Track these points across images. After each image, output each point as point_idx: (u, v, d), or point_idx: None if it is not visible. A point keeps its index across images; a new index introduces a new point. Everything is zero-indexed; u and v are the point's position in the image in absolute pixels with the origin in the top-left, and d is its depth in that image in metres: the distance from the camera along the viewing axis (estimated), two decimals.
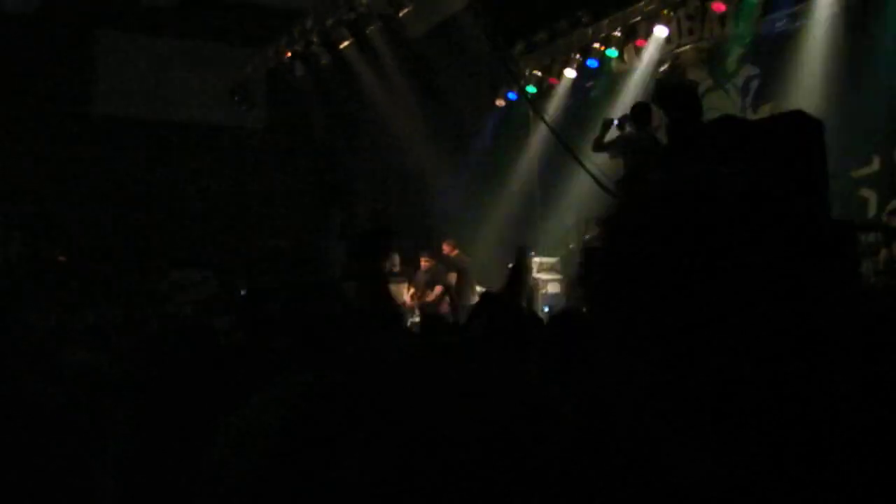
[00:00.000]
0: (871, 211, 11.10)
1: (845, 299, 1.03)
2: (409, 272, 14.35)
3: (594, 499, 1.13)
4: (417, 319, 12.64)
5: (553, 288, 13.70)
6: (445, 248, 14.46)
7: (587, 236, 12.39)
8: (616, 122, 10.99)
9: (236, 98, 15.93)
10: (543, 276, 13.91)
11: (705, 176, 1.10)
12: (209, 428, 2.79)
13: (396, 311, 9.78)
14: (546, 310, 11.70)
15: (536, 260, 14.18)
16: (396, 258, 14.18)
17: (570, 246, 13.94)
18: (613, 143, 10.81)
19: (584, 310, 1.16)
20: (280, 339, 3.42)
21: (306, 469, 1.71)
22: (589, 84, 15.66)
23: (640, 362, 1.04)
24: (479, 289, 13.03)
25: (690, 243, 1.01)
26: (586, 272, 1.14)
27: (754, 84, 13.09)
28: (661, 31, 13.89)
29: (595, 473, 1.13)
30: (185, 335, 3.95)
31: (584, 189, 12.83)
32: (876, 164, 11.20)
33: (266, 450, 2.09)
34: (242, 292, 12.95)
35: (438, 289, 13.74)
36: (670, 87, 8.96)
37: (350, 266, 9.69)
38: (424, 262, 14.42)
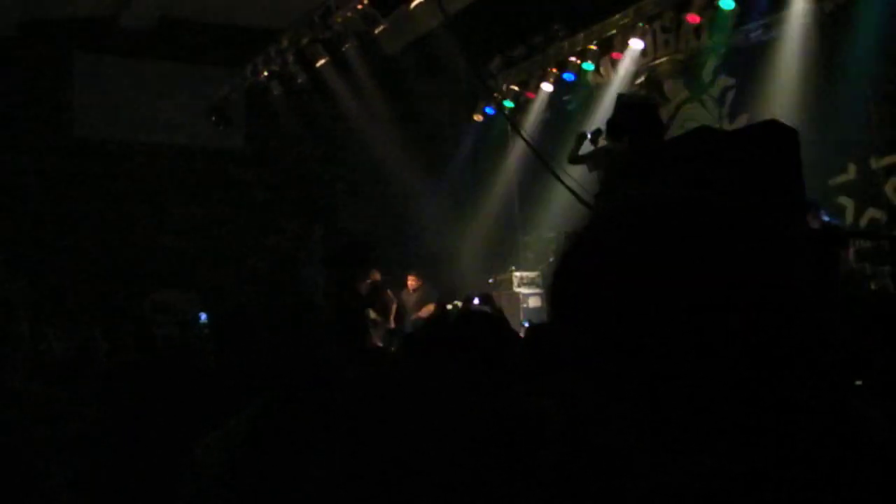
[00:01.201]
0: (849, 219, 11.16)
1: (820, 308, 1.02)
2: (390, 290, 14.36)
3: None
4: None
5: (534, 302, 13.72)
6: (411, 283, 14.57)
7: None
8: (589, 135, 11.02)
9: (214, 118, 15.89)
10: (524, 290, 13.95)
11: (669, 191, 1.09)
12: (183, 450, 2.78)
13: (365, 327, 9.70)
14: (525, 324, 11.72)
15: (517, 274, 14.22)
16: (377, 275, 14.17)
17: (550, 260, 13.96)
18: (589, 156, 10.85)
19: (554, 322, 1.15)
20: (253, 361, 3.41)
21: (266, 488, 1.69)
22: (566, 98, 15.73)
23: (606, 373, 1.03)
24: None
25: (656, 257, 1.00)
26: (555, 285, 1.14)
27: (730, 94, 13.17)
28: (636, 44, 13.97)
29: (569, 482, 1.12)
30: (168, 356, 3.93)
31: (563, 203, 12.87)
32: (852, 173, 11.28)
33: (224, 473, 2.08)
34: (203, 316, 12.92)
35: (430, 307, 13.77)
36: (630, 103, 9.00)
37: (328, 281, 9.39)
38: (412, 282, 14.52)
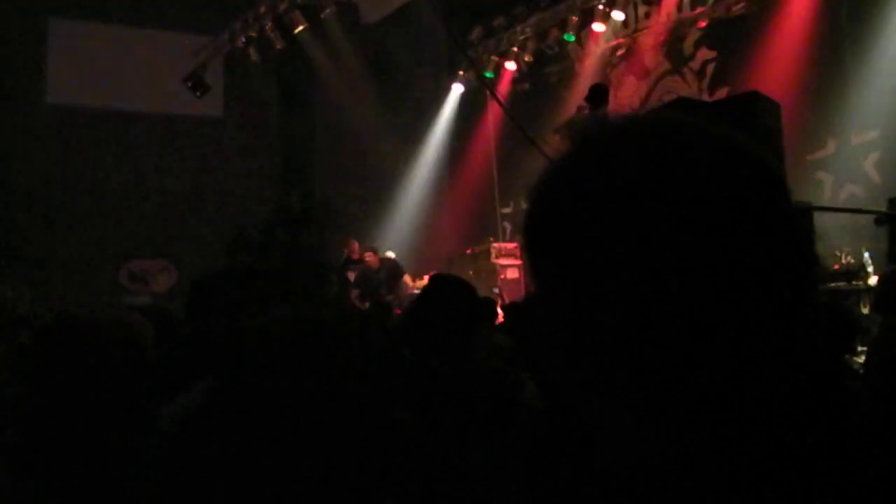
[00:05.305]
0: (826, 194, 11.16)
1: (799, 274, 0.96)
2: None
3: (536, 474, 1.08)
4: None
5: (512, 273, 13.70)
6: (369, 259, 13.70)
7: None
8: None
9: (190, 85, 15.73)
10: (502, 261, 13.91)
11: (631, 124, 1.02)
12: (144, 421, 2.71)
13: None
14: (495, 290, 11.63)
15: (495, 245, 14.18)
16: (355, 245, 14.11)
17: None
18: (563, 125, 10.86)
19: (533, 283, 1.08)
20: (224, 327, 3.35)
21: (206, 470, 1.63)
22: (546, 68, 15.67)
23: (579, 340, 0.98)
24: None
25: (621, 208, 0.93)
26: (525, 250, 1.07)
27: (710, 67, 13.14)
28: (617, 16, 13.94)
29: (543, 450, 1.08)
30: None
31: None
32: (831, 148, 11.27)
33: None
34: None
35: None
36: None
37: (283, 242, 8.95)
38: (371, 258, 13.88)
